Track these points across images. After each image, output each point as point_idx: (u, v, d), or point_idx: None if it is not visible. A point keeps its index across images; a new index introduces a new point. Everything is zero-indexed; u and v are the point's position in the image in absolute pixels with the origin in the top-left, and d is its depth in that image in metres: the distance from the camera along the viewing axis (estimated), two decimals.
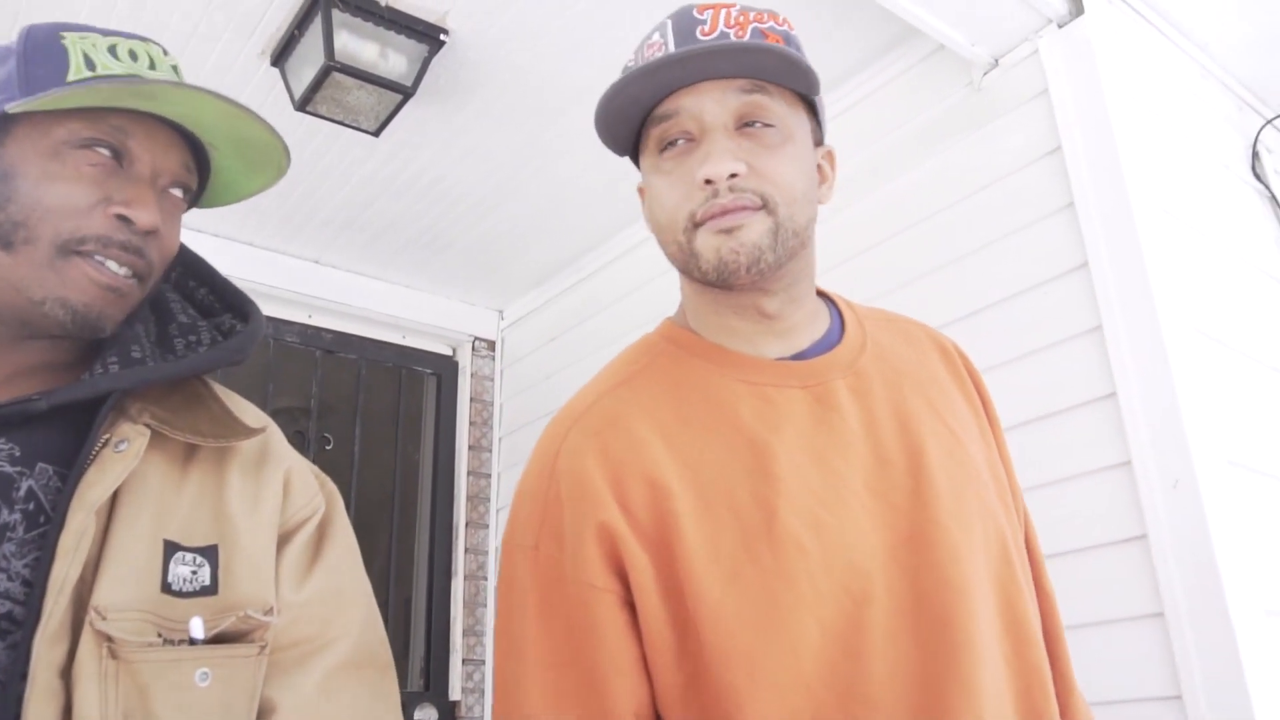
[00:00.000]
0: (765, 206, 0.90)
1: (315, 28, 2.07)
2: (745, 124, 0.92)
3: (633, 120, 0.96)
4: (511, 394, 3.47)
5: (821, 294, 1.06)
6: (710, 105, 0.91)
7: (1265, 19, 2.21)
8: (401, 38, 2.13)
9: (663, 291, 2.85)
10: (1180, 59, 2.24)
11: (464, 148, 2.61)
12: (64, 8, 2.04)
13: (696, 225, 0.91)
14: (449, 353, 3.55)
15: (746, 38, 0.92)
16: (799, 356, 0.97)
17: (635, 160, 1.02)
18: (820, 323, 1.01)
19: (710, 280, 0.93)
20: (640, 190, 1.03)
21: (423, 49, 2.16)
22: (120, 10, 2.08)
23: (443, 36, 2.16)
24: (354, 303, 3.26)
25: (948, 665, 0.83)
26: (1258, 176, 2.34)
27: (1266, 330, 2.03)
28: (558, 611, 0.87)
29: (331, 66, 2.06)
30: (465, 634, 3.19)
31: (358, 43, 2.10)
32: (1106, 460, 1.71)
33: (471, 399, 3.47)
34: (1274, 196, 2.34)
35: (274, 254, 3.11)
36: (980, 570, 0.88)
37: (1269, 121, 2.43)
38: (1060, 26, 1.95)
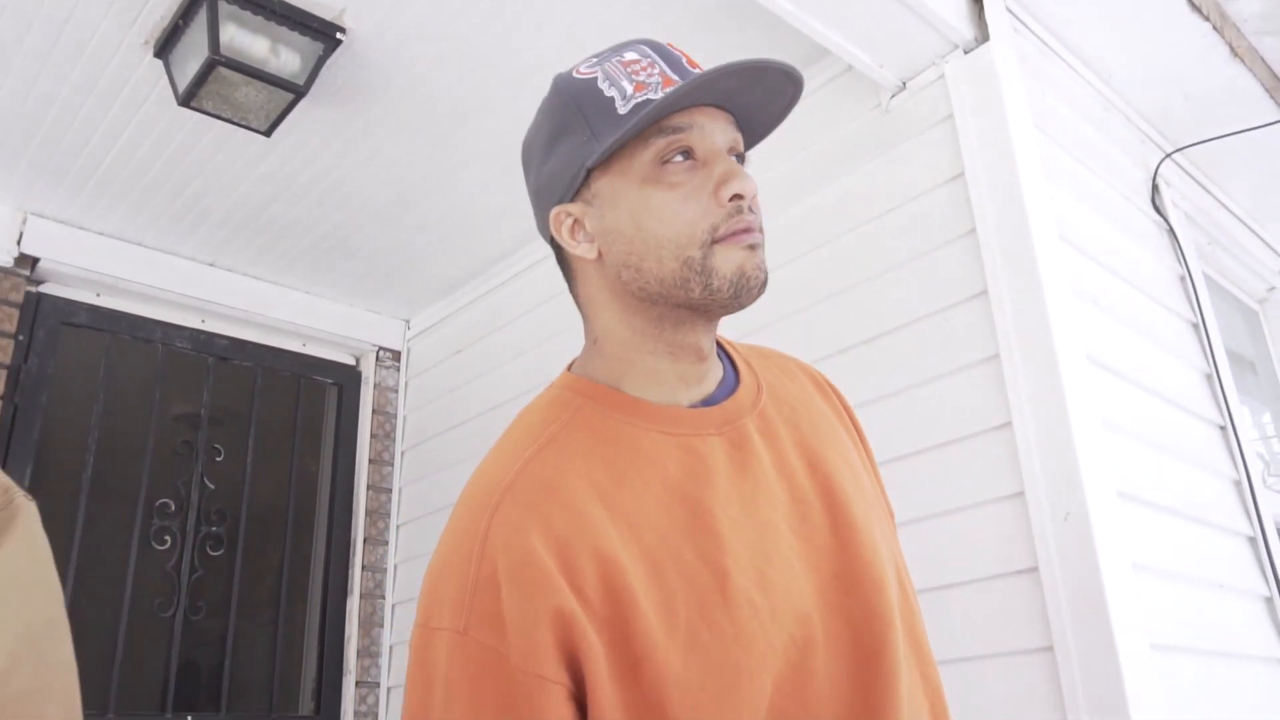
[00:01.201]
0: (760, 233, 0.92)
1: (201, 19, 1.96)
2: (733, 154, 0.94)
3: (636, 126, 0.89)
4: (415, 406, 3.36)
5: None
6: (720, 129, 0.92)
7: (1167, 54, 2.24)
8: (295, 34, 2.03)
9: (570, 306, 2.79)
10: (1085, 90, 2.26)
11: (366, 152, 2.51)
12: None
13: (715, 242, 0.89)
14: (352, 362, 3.43)
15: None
16: (708, 402, 0.96)
17: (574, 172, 0.94)
18: (718, 366, 1.00)
19: (719, 298, 0.90)
20: (566, 215, 0.95)
21: (317, 47, 2.06)
22: None
23: (339, 35, 2.07)
24: (251, 308, 3.13)
25: (883, 695, 0.85)
26: (1157, 209, 2.37)
27: (1161, 363, 2.05)
28: (491, 704, 0.78)
29: (216, 60, 1.95)
30: (360, 655, 3.07)
31: (247, 37, 2.00)
32: (1001, 491, 1.69)
33: (374, 411, 3.36)
34: (1172, 229, 2.37)
35: (165, 255, 2.97)
36: (895, 597, 0.91)
37: (1168, 155, 2.47)
38: (966, 52, 1.94)
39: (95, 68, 2.17)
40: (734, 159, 0.93)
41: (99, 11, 2.01)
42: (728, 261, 0.89)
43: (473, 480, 0.90)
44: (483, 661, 0.79)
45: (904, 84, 2.05)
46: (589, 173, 0.93)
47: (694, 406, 0.95)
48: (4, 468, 2.58)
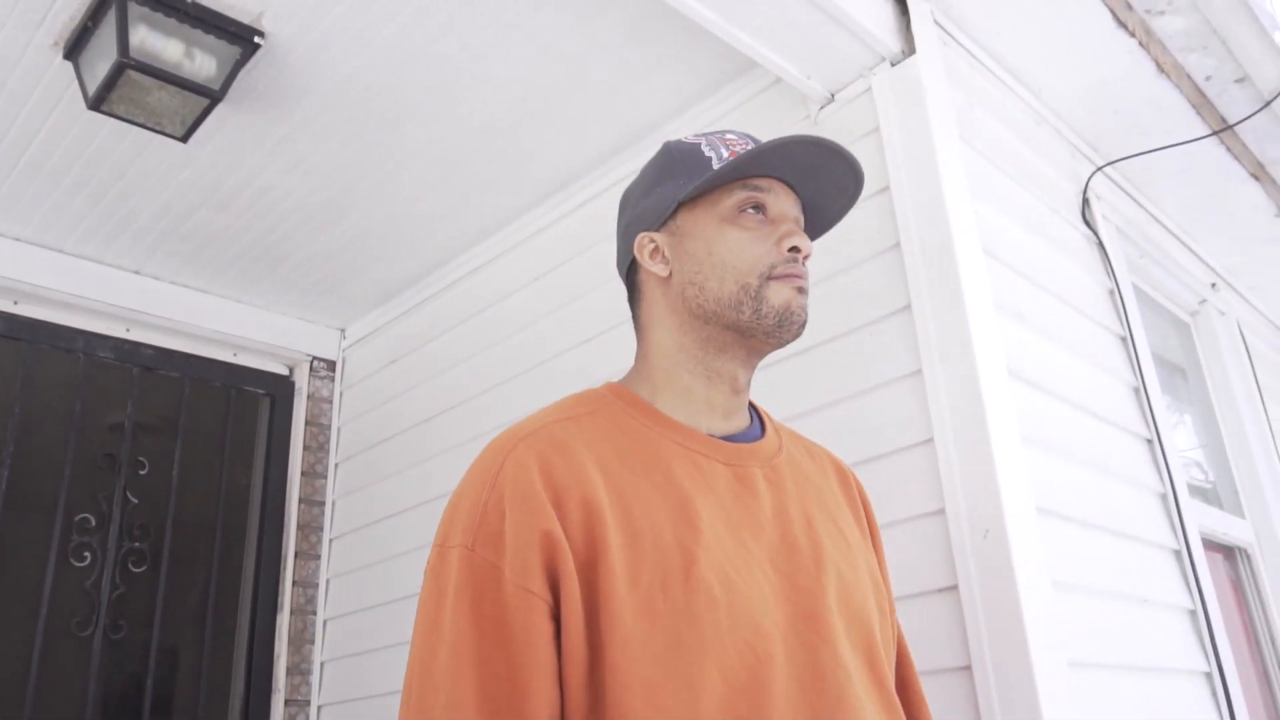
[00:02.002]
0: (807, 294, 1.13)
1: (110, 20, 1.90)
2: (797, 223, 1.15)
3: (719, 177, 1.10)
4: (350, 417, 3.29)
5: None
6: (790, 201, 1.15)
7: (1094, 69, 2.25)
8: (210, 38, 1.97)
9: (508, 314, 2.76)
10: (1014, 103, 2.26)
11: (291, 158, 2.45)
12: None
13: (771, 278, 1.08)
14: (285, 372, 3.35)
15: None
16: (727, 439, 1.11)
17: (665, 206, 1.15)
18: (747, 415, 1.16)
19: (764, 324, 1.08)
20: (649, 241, 1.15)
21: (234, 50, 2.00)
22: None
23: (258, 39, 2.01)
24: (179, 317, 3.04)
25: None
26: (1087, 223, 2.38)
27: (1088, 376, 2.05)
28: (489, 612, 0.90)
29: (125, 64, 1.89)
30: (289, 672, 3.00)
31: (159, 39, 1.94)
32: (922, 508, 1.68)
33: (307, 422, 3.29)
34: (1101, 243, 2.38)
35: (87, 262, 2.88)
36: (858, 659, 1.02)
37: (1099, 168, 2.49)
38: (893, 65, 1.93)
39: (3, 69, 2.09)
40: (797, 226, 1.14)
41: (4, 11, 1.94)
42: (778, 295, 1.08)
43: (499, 434, 1.04)
44: (484, 575, 0.91)
45: (832, 96, 2.04)
46: (678, 208, 1.14)
47: (713, 437, 1.10)
48: None
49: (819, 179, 1.15)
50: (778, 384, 1.94)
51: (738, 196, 1.11)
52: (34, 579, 2.65)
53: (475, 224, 2.80)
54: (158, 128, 2.09)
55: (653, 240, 1.15)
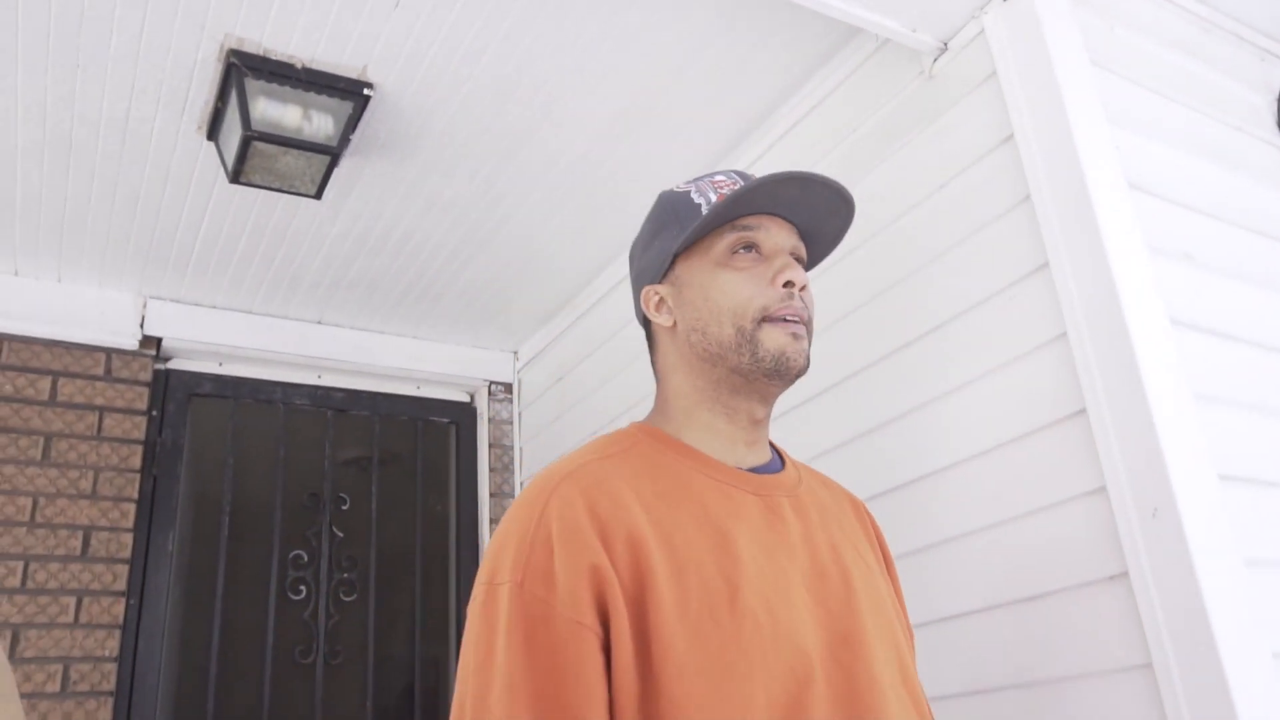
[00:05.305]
0: (807, 327, 1.12)
1: (234, 98, 2.04)
2: (794, 255, 1.15)
3: (705, 225, 1.12)
4: (529, 436, 3.39)
5: None
6: (784, 235, 1.15)
7: None
8: (323, 97, 2.08)
9: None
10: (1170, 15, 1.99)
11: (424, 200, 2.54)
12: (2, 105, 2.08)
13: (765, 319, 1.09)
14: (466, 399, 3.50)
15: None
16: (753, 471, 1.13)
17: (663, 260, 1.18)
18: (768, 449, 1.19)
19: (761, 368, 1.09)
20: (654, 294, 1.19)
21: (347, 106, 2.10)
22: (51, 104, 2.10)
23: (366, 91, 2.10)
24: (362, 359, 3.24)
25: None
26: None
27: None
28: (542, 646, 0.91)
29: (250, 136, 2.02)
30: None
31: (278, 108, 2.06)
32: (1080, 487, 1.49)
33: (491, 445, 3.41)
34: None
35: (274, 319, 3.12)
36: (893, 679, 1.03)
37: None
38: (1004, 0, 1.75)
39: (162, 157, 2.30)
40: (792, 259, 1.14)
41: (150, 106, 2.13)
42: (773, 340, 1.09)
43: (536, 476, 1.07)
44: (535, 611, 0.93)
45: (945, 45, 1.87)
46: (675, 259, 1.16)
47: (739, 469, 1.12)
48: (149, 537, 2.78)
49: (810, 206, 1.16)
50: (905, 370, 1.81)
51: (728, 239, 1.13)
52: (259, 613, 2.90)
53: (611, 237, 2.80)
54: (292, 189, 2.22)
55: (657, 293, 1.18)
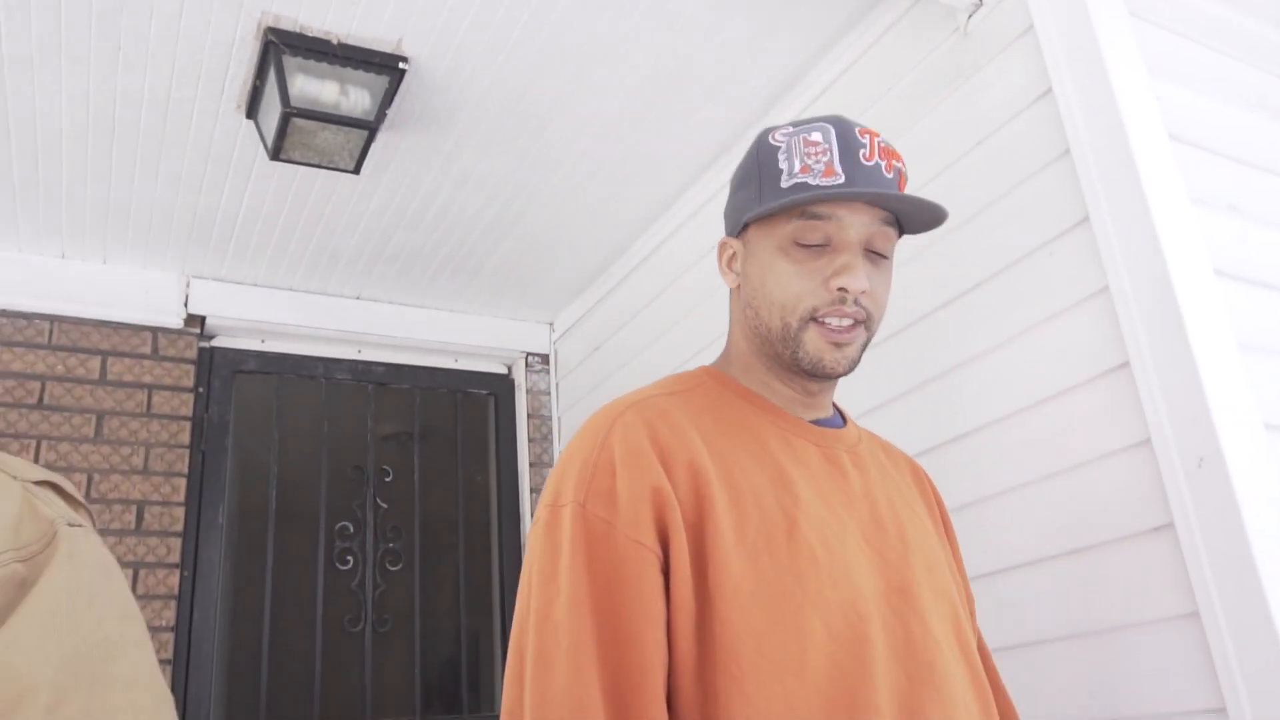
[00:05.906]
0: (866, 322, 1.09)
1: (272, 75, 2.06)
2: (870, 249, 1.09)
3: (779, 207, 1.07)
4: (567, 406, 3.42)
5: None
6: (859, 225, 1.07)
7: None
8: (360, 72, 2.10)
9: (684, 292, 2.75)
10: None
11: (459, 173, 2.56)
12: (47, 91, 2.12)
13: (813, 320, 1.07)
14: (504, 371, 3.53)
15: (891, 175, 1.09)
16: (813, 424, 1.15)
17: (739, 218, 1.15)
18: (829, 406, 1.19)
19: (799, 368, 1.10)
20: (729, 247, 1.17)
21: (383, 80, 2.12)
22: (94, 88, 2.13)
23: (402, 65, 2.11)
24: (400, 333, 3.28)
25: (932, 701, 0.96)
26: None
27: None
28: (603, 565, 0.94)
29: (289, 113, 2.05)
30: None
31: (316, 84, 2.08)
32: (1125, 440, 1.50)
33: (529, 415, 3.45)
34: None
35: (314, 295, 3.17)
36: (948, 636, 1.04)
37: None
38: None
39: (203, 136, 2.33)
40: (863, 254, 1.08)
41: (190, 87, 2.16)
42: (814, 344, 1.08)
43: (601, 407, 1.08)
44: (597, 530, 0.95)
45: (980, 0, 1.86)
46: (747, 224, 1.13)
47: (802, 420, 1.13)
48: (199, 511, 2.84)
49: (888, 201, 1.08)
50: (948, 327, 1.81)
51: (793, 225, 1.08)
52: (308, 584, 2.97)
53: (643, 206, 2.80)
54: (331, 165, 2.25)
55: (730, 248, 1.18)
